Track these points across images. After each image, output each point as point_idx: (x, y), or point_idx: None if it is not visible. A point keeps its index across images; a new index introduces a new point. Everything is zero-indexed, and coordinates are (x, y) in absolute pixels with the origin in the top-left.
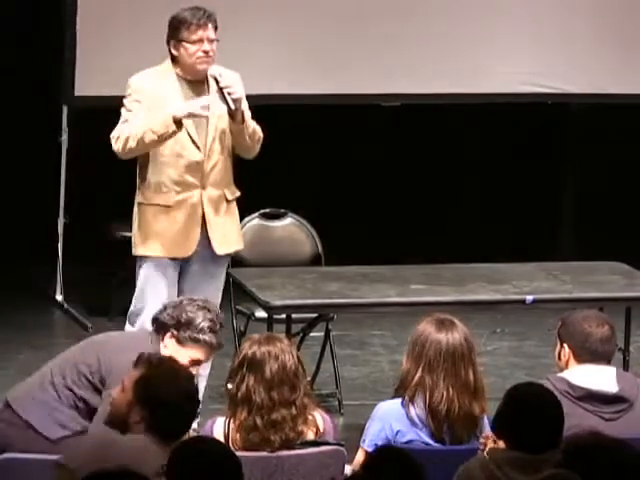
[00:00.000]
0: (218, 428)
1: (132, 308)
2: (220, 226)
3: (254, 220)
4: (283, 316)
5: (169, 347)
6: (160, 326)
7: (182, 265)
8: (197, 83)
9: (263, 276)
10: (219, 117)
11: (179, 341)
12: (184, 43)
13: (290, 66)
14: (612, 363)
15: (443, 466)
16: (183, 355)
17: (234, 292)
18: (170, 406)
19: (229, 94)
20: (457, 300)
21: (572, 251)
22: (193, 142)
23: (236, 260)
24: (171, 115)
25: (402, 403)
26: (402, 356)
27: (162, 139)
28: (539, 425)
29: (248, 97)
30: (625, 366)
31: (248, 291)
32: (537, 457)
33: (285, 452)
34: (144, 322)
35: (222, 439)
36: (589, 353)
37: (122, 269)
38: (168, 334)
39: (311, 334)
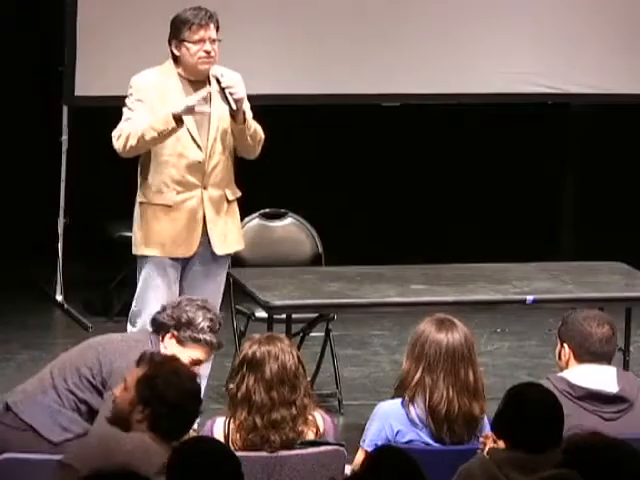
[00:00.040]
0: (218, 428)
1: (133, 309)
2: (221, 226)
3: (254, 220)
4: (283, 316)
5: (169, 347)
6: (160, 326)
7: (183, 265)
8: (199, 83)
9: (263, 276)
10: (220, 117)
11: (179, 341)
12: (186, 43)
13: (290, 66)
14: (612, 363)
15: (443, 466)
16: (183, 355)
17: (234, 292)
18: (172, 405)
19: (231, 94)
20: (457, 300)
21: (572, 251)
22: (194, 142)
23: (236, 260)
24: (171, 112)
25: (402, 403)
26: (402, 356)
27: (162, 136)
28: (539, 425)
29: (248, 97)
30: (625, 366)
31: (248, 291)
32: (537, 457)
33: (285, 452)
34: (145, 322)
35: (222, 439)
36: (589, 353)
37: (122, 269)
38: (168, 334)
39: (311, 334)
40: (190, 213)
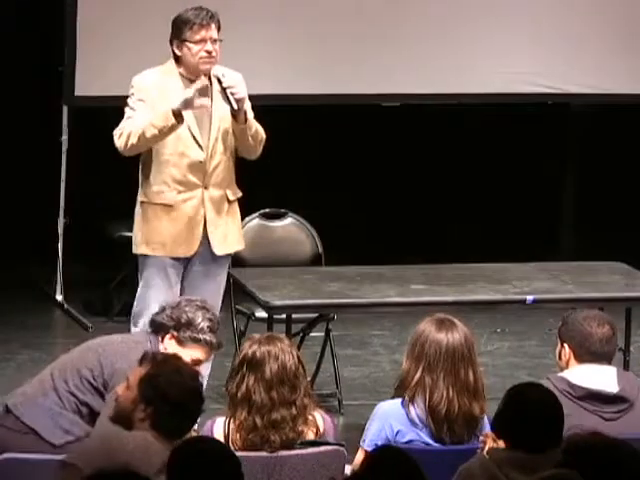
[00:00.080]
0: (218, 428)
1: (135, 309)
2: (221, 227)
3: (254, 220)
4: (283, 316)
5: (169, 348)
6: (159, 327)
7: (184, 265)
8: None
9: (263, 276)
10: (222, 117)
11: (179, 342)
12: (187, 43)
13: (291, 66)
14: (612, 363)
15: (443, 466)
16: (183, 355)
17: (234, 292)
18: (175, 403)
19: (232, 94)
20: (457, 300)
21: (572, 251)
22: (196, 141)
23: (236, 260)
24: (170, 108)
25: (402, 403)
26: (402, 356)
27: (163, 133)
28: (539, 425)
29: (249, 97)
30: (625, 366)
31: (248, 291)
32: (537, 457)
33: (285, 452)
34: (147, 323)
35: (222, 439)
36: (589, 353)
37: (122, 269)
38: (168, 335)
39: (311, 334)
40: (191, 213)
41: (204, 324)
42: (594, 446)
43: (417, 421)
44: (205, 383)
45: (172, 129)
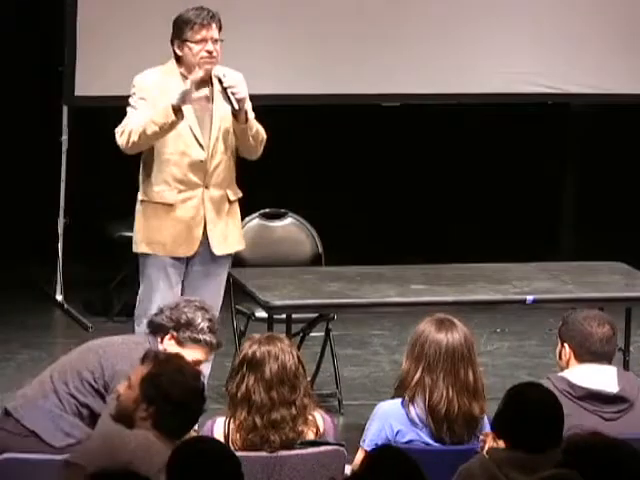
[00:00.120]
0: (218, 428)
1: (137, 310)
2: (221, 227)
3: (254, 220)
4: (283, 316)
5: (169, 349)
6: (158, 328)
7: (185, 265)
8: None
9: (263, 276)
10: (222, 117)
11: (179, 342)
12: (188, 43)
13: (292, 66)
14: (612, 363)
15: (443, 466)
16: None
17: (234, 292)
18: (177, 402)
19: (233, 94)
20: (457, 300)
21: (572, 251)
22: (197, 141)
23: (236, 260)
24: (170, 104)
25: (402, 403)
26: (402, 356)
27: (164, 130)
28: (539, 425)
29: (250, 97)
30: (625, 366)
31: (248, 291)
32: (537, 457)
33: (285, 452)
34: None
35: (222, 439)
36: (589, 353)
37: (122, 269)
38: (167, 336)
39: (311, 334)
40: (191, 213)
41: (204, 324)
42: (594, 446)
43: (417, 421)
44: (205, 383)
45: (172, 126)
